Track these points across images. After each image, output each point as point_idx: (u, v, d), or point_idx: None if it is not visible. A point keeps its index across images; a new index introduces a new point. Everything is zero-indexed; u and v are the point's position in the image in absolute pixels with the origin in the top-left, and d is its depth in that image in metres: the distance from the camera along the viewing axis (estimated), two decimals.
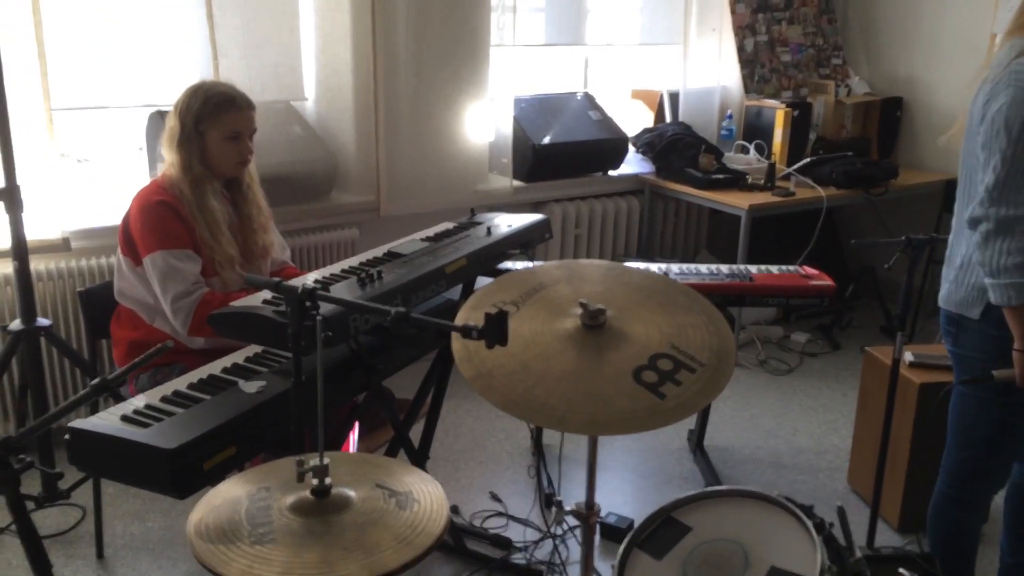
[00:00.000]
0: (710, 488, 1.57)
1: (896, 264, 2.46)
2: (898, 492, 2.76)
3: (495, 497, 2.87)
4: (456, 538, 2.56)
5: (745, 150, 4.34)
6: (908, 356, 2.83)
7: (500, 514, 2.78)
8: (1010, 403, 2.01)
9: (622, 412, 1.41)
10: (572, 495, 2.90)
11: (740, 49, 4.44)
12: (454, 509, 2.78)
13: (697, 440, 3.22)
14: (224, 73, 3.10)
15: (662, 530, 1.50)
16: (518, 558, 2.55)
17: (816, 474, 3.11)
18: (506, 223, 2.61)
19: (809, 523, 1.36)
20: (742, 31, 4.45)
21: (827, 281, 2.92)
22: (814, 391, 3.76)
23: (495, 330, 1.35)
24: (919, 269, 4.21)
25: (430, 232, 2.54)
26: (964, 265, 2.03)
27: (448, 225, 2.62)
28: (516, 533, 2.67)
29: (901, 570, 1.39)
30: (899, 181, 4.22)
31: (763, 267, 3.04)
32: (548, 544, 2.60)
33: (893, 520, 2.78)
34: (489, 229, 2.52)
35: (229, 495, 1.37)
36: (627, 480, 3.06)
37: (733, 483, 3.02)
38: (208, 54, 3.10)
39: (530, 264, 2.52)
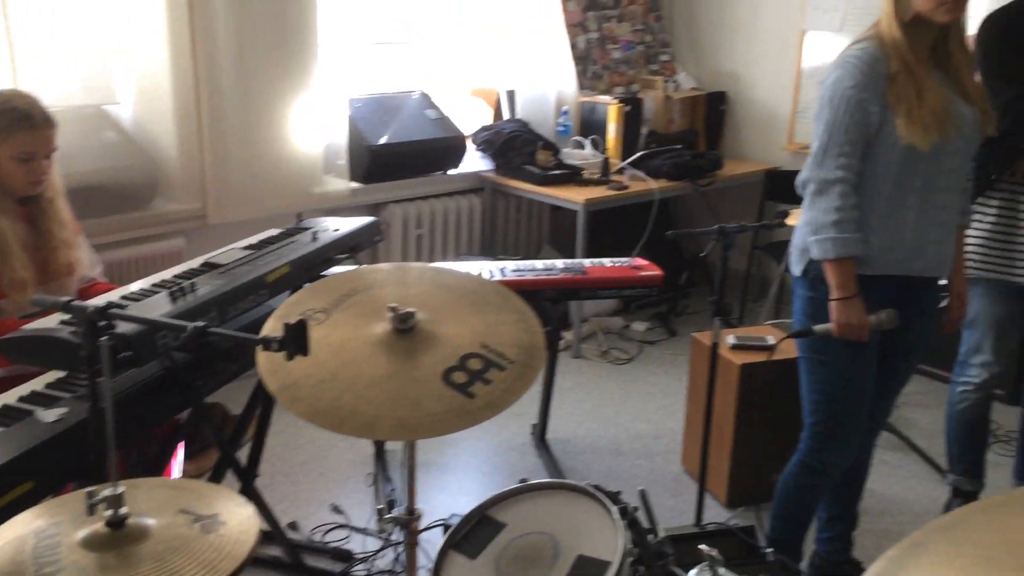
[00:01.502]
0: (524, 483, 1.59)
1: (715, 252, 2.56)
2: (724, 469, 2.90)
3: (337, 509, 2.82)
4: (293, 555, 2.49)
5: (581, 145, 4.44)
6: (730, 339, 2.97)
7: (341, 526, 2.73)
8: (829, 362, 2.17)
9: (432, 414, 1.41)
10: (417, 500, 2.88)
11: (573, 47, 4.54)
12: (292, 525, 2.71)
13: (540, 434, 3.27)
14: (22, 77, 2.89)
15: (477, 529, 1.52)
16: (359, 570, 2.52)
17: (653, 458, 3.23)
18: (334, 227, 2.56)
19: (614, 509, 1.41)
20: (574, 29, 4.55)
21: (656, 271, 3.02)
22: (652, 378, 3.90)
23: (295, 340, 1.32)
24: (744, 256, 4.47)
25: (253, 240, 2.46)
26: (797, 229, 2.20)
27: (272, 232, 2.55)
28: (359, 544, 2.63)
29: (701, 546, 1.45)
30: (725, 171, 4.44)
31: (597, 260, 3.13)
32: (392, 553, 2.58)
33: (721, 496, 2.93)
34: (315, 234, 2.47)
35: (14, 534, 1.28)
36: (473, 479, 3.08)
37: (575, 473, 3.09)
38: (4, 55, 2.88)
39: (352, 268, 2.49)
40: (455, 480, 3.06)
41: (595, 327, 4.31)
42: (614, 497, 1.46)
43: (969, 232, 2.55)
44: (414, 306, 1.56)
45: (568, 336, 4.14)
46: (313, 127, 3.63)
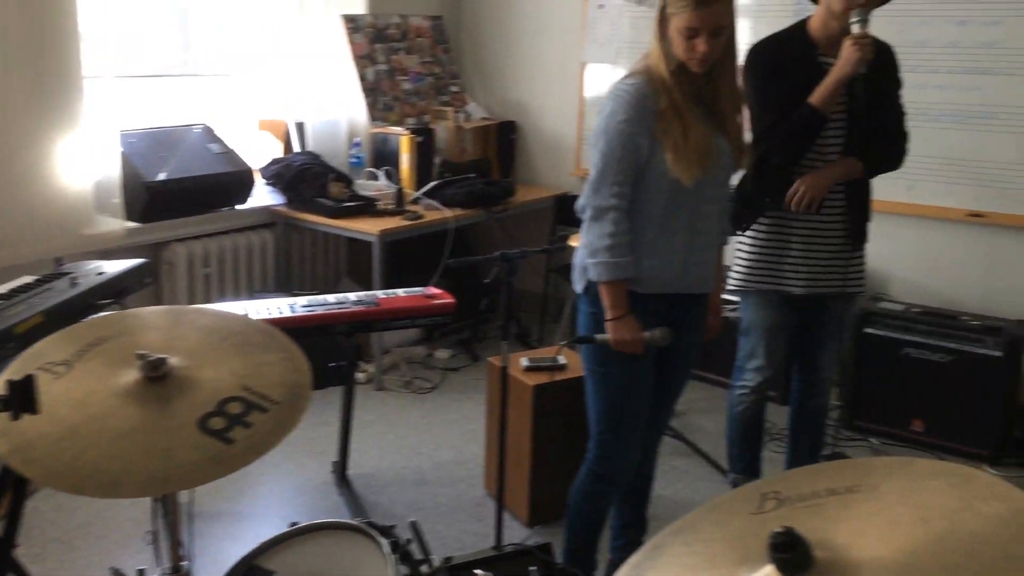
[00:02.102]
0: (293, 526, 1.55)
1: (499, 277, 2.60)
2: (524, 489, 2.95)
3: (117, 573, 2.62)
4: None
5: (375, 176, 4.43)
6: (524, 361, 3.04)
7: None
8: (610, 374, 2.28)
9: (185, 464, 1.34)
10: (207, 550, 2.74)
11: (362, 78, 4.53)
12: None
13: (340, 471, 3.20)
14: None
15: None
16: None
17: (457, 484, 3.24)
18: (97, 271, 2.40)
19: (384, 544, 1.40)
20: (362, 60, 4.54)
21: (448, 300, 3.04)
22: (455, 404, 3.92)
23: (21, 398, 1.21)
24: (541, 278, 4.61)
25: (3, 289, 2.26)
26: (578, 250, 2.30)
27: (28, 279, 2.35)
28: None
29: (477, 571, 1.47)
30: (518, 198, 4.57)
31: (392, 291, 3.11)
32: None
33: (523, 515, 2.97)
34: (74, 280, 2.30)
35: None
36: (271, 525, 2.94)
37: (378, 508, 3.04)
38: None
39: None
40: (251, 528, 2.93)
41: (397, 358, 4.29)
42: (386, 531, 1.44)
43: (742, 249, 2.76)
44: (170, 351, 1.48)
45: (370, 368, 4.09)
46: (79, 165, 3.39)
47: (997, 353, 3.39)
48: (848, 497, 1.02)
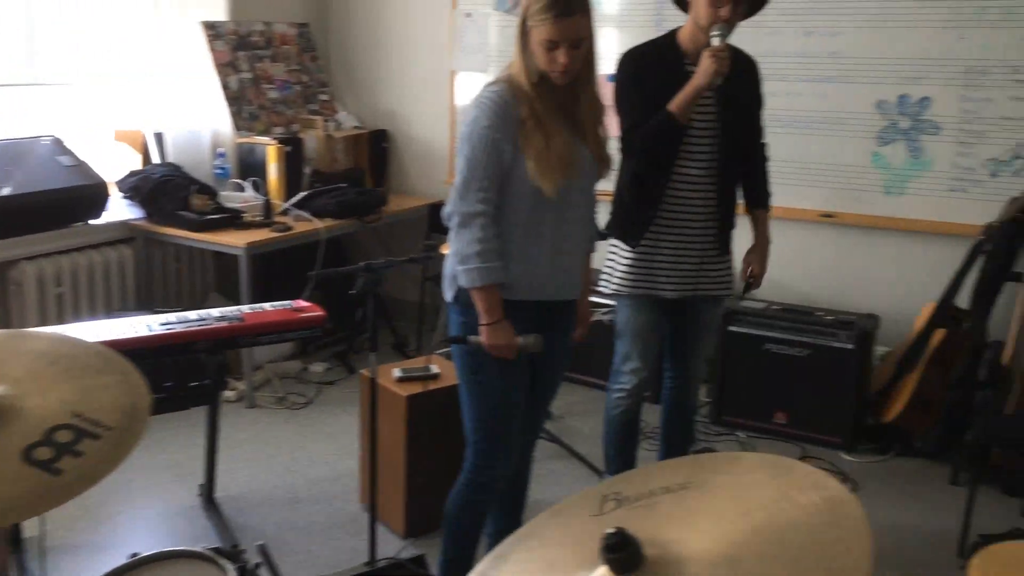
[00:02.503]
0: (134, 557, 1.47)
1: (366, 288, 2.55)
2: (400, 501, 2.92)
3: None
4: None
5: (241, 188, 4.30)
6: (396, 372, 3.01)
7: None
8: (485, 381, 2.28)
9: (5, 499, 1.25)
10: None
11: (225, 87, 4.39)
12: None
13: (207, 494, 3.08)
14: None
15: None
16: None
17: (332, 501, 3.17)
18: None
19: (231, 569, 1.35)
20: (224, 68, 4.41)
21: (318, 312, 2.98)
22: (331, 419, 3.84)
23: None
24: (417, 287, 4.58)
25: None
26: (447, 259, 2.29)
27: None
28: None
29: None
30: (391, 207, 4.53)
31: (258, 306, 3.02)
32: None
33: (400, 528, 2.94)
34: None
35: None
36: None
37: (248, 531, 2.94)
38: None
39: None
40: (109, 560, 2.76)
41: (270, 373, 4.17)
42: (234, 556, 1.39)
43: (615, 254, 2.81)
44: None
45: (240, 386, 3.96)
46: None
47: (849, 346, 3.58)
48: (681, 494, 1.05)
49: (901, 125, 3.74)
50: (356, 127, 4.86)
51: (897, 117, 3.74)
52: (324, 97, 4.89)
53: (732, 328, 3.78)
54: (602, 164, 2.34)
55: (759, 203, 2.87)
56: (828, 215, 3.95)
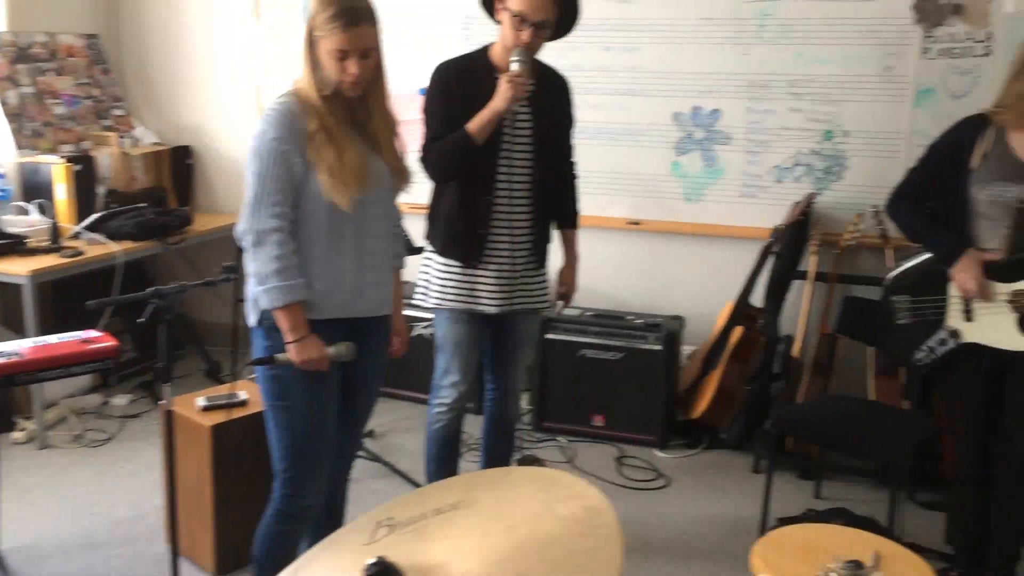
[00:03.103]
0: None
1: (157, 315, 2.40)
2: (209, 537, 2.77)
3: None
4: None
5: (25, 211, 3.96)
6: (200, 401, 2.86)
7: None
8: (292, 407, 2.20)
9: None
10: None
11: (3, 102, 4.04)
12: None
13: None
14: None
15: None
16: None
17: (135, 542, 2.97)
18: None
19: None
20: (2, 83, 4.06)
21: (110, 343, 2.79)
22: (135, 454, 3.60)
23: None
24: (230, 309, 4.38)
25: None
26: (248, 281, 2.20)
27: None
28: None
29: None
30: (198, 226, 4.32)
31: (42, 339, 2.79)
32: None
33: (209, 565, 2.79)
34: None
35: None
36: None
37: None
38: None
39: None
40: None
41: (65, 410, 3.86)
42: None
43: (432, 268, 2.77)
44: None
45: (30, 426, 3.64)
46: None
47: (657, 347, 3.74)
48: (452, 514, 1.04)
49: (696, 135, 3.95)
50: (156, 143, 4.61)
51: (692, 128, 3.95)
52: (119, 112, 4.60)
53: (549, 336, 3.86)
54: (400, 176, 2.32)
55: (568, 222, 2.94)
56: (635, 222, 4.11)
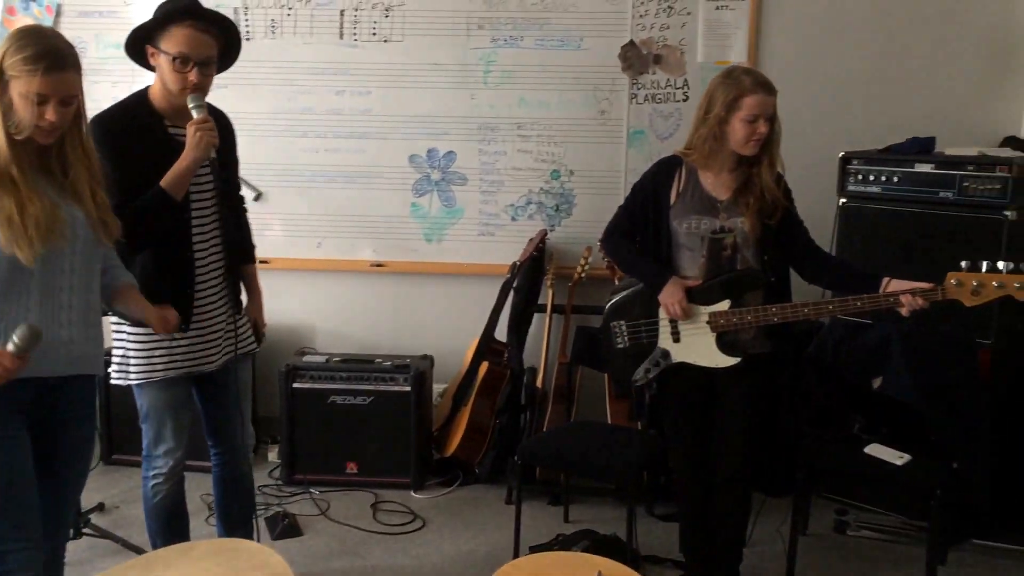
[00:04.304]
0: None
1: None
2: None
3: None
4: None
5: None
6: None
7: None
8: None
9: None
10: None
11: None
12: None
13: None
14: None
15: None
16: None
17: None
18: None
19: None
20: None
21: None
22: None
23: None
24: None
25: None
26: None
27: None
28: None
29: None
30: None
31: None
32: None
33: None
34: None
35: None
36: None
37: None
38: None
39: None
40: None
41: None
42: None
43: (128, 338, 2.53)
44: None
45: None
46: None
47: (407, 388, 3.73)
48: None
49: (433, 177, 4.03)
50: None
51: (429, 170, 4.03)
52: None
53: (296, 385, 3.74)
54: (101, 227, 2.15)
55: (249, 259, 2.85)
56: (379, 264, 4.11)
